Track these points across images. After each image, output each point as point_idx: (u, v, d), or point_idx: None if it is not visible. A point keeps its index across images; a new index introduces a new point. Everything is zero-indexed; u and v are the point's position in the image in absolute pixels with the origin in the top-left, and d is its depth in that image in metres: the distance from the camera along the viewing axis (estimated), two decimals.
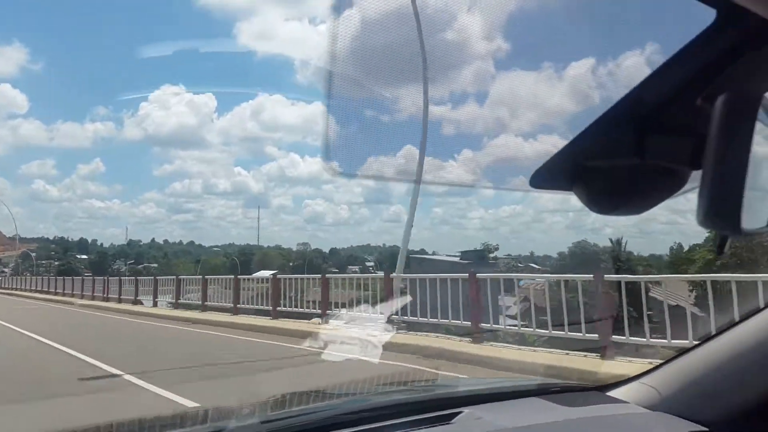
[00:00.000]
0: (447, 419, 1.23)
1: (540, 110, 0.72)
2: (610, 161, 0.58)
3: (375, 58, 0.65)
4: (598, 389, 1.41)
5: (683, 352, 1.37)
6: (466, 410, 1.27)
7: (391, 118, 0.69)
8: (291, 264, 52.05)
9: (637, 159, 0.56)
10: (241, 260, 49.16)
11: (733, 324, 1.29)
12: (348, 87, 0.65)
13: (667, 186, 0.60)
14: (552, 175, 0.60)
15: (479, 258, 25.13)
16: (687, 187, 0.59)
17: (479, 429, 1.18)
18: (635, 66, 0.63)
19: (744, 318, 1.27)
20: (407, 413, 1.23)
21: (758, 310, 1.27)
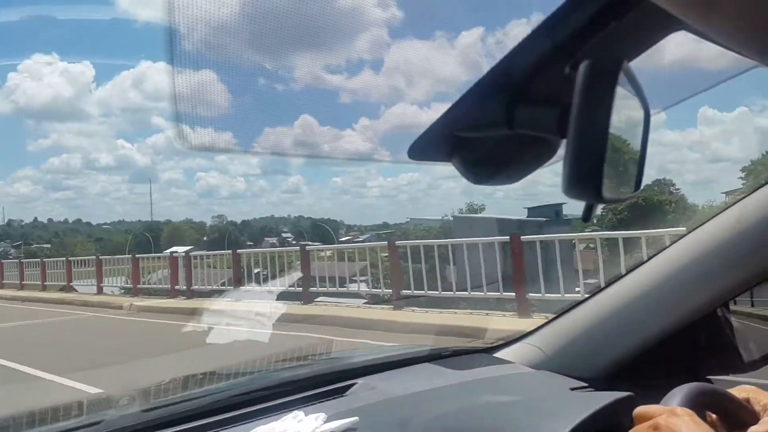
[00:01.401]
0: (341, 392, 1.23)
1: (421, 79, 0.71)
2: (482, 132, 0.58)
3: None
4: (486, 351, 1.47)
5: (565, 311, 1.45)
6: (360, 381, 1.27)
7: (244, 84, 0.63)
8: (206, 238, 50.16)
9: (507, 129, 0.56)
10: (149, 237, 46.52)
11: (612, 282, 1.38)
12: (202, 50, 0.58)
13: (538, 155, 0.60)
14: (430, 146, 0.59)
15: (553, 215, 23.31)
16: (556, 157, 0.59)
17: (373, 398, 1.19)
18: (506, 36, 0.63)
19: (623, 275, 1.35)
20: (300, 390, 1.21)
21: (635, 267, 1.35)
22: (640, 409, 0.73)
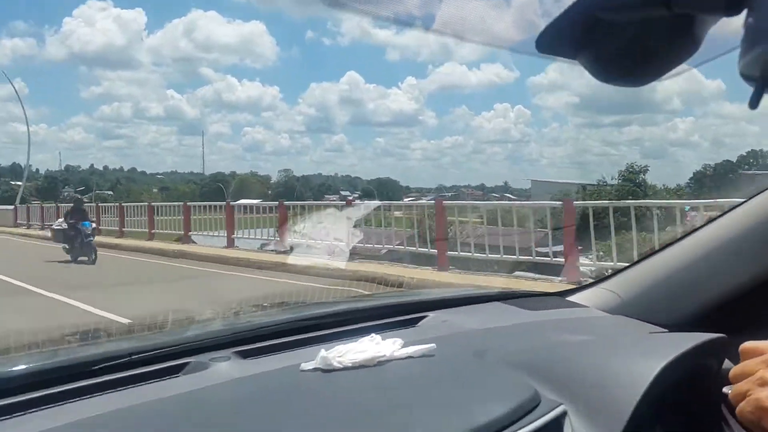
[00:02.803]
0: (413, 323, 1.24)
1: None
2: (631, 12, 0.47)
3: None
4: (559, 294, 1.44)
5: (643, 257, 1.40)
6: (431, 314, 1.28)
7: None
8: (270, 192, 51.37)
9: (664, 8, 0.45)
10: (213, 188, 47.92)
11: (689, 232, 1.32)
12: None
13: (694, 41, 0.49)
14: (561, 35, 0.50)
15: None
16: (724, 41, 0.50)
17: (445, 331, 1.19)
18: None
19: (705, 224, 1.29)
20: (372, 318, 1.23)
21: (712, 220, 1.30)
22: (749, 344, 0.69)
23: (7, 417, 0.81)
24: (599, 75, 0.52)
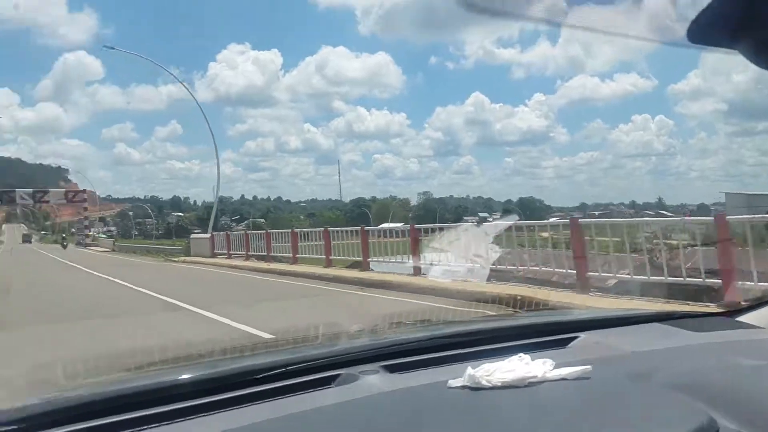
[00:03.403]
0: (562, 344, 1.18)
1: None
2: None
3: None
4: (725, 314, 1.29)
5: None
6: (582, 335, 1.22)
7: None
8: (411, 215, 52.66)
9: None
10: (356, 213, 50.10)
11: None
12: None
13: None
14: (717, 21, 0.45)
15: None
16: None
17: (599, 353, 1.12)
18: None
19: None
20: (519, 337, 1.20)
21: None
22: None
23: (180, 420, 0.91)
24: (761, 61, 0.47)
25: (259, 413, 0.92)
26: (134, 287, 11.51)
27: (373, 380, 1.04)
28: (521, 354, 1.02)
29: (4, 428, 0.87)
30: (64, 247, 46.11)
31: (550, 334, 1.22)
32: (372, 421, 0.90)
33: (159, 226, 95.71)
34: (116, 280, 13.49)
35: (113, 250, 38.81)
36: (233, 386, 1.00)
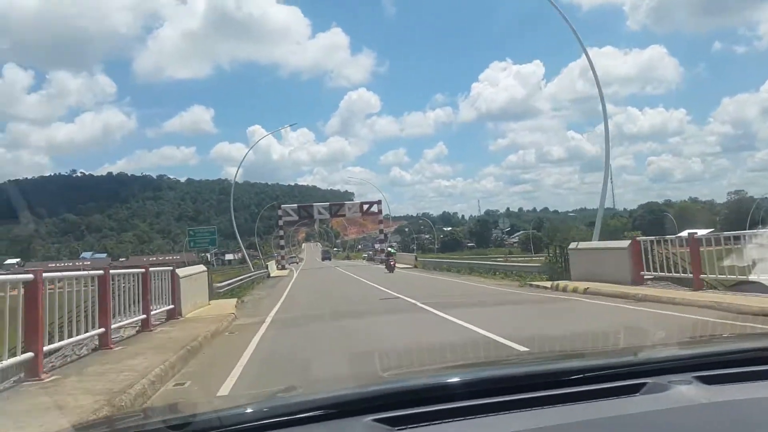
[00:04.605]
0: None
1: None
2: None
3: None
4: None
5: None
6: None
7: None
8: (718, 218, 44.42)
9: None
10: (647, 220, 43.91)
11: None
12: None
13: None
14: None
15: None
16: None
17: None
18: None
19: None
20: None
21: None
22: None
23: (495, 414, 0.99)
24: None
25: (564, 415, 0.97)
26: None
27: (685, 391, 1.03)
28: None
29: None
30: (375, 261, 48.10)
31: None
32: None
33: (434, 239, 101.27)
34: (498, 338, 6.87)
35: (415, 266, 35.51)
36: (539, 386, 1.07)
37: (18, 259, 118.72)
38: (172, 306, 11.17)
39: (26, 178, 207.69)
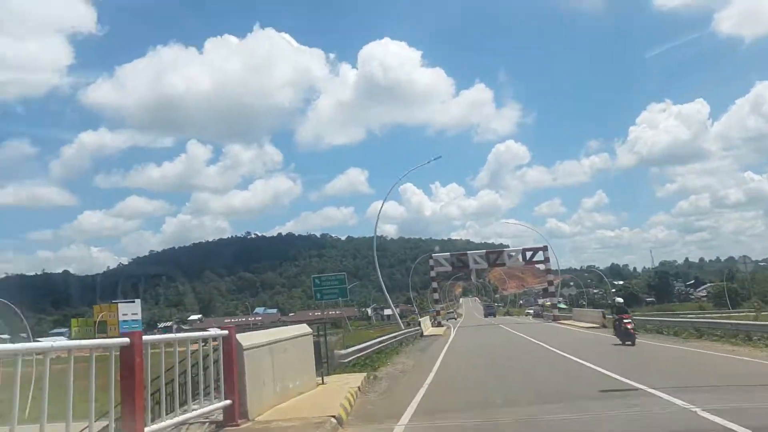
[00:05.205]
0: None
1: None
2: None
3: None
4: None
5: None
6: None
7: None
8: None
9: None
10: None
11: None
12: None
13: None
14: None
15: None
16: None
17: None
18: None
19: None
20: None
21: None
22: None
23: None
24: None
25: None
26: None
27: None
28: None
29: None
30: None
31: None
32: None
33: (605, 294, 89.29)
34: None
35: (603, 326, 26.63)
36: None
37: (200, 315, 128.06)
38: (228, 401, 6.30)
39: (208, 241, 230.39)
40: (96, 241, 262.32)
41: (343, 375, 11.94)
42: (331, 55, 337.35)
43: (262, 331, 7.89)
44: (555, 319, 41.86)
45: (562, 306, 58.10)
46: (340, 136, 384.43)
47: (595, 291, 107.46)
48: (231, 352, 6.45)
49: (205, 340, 6.48)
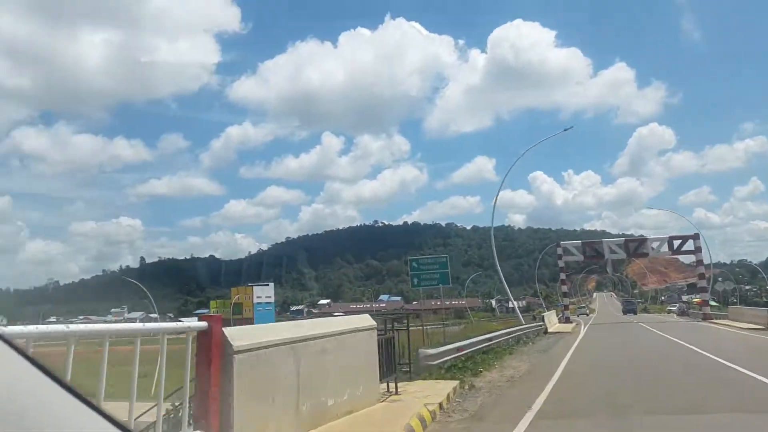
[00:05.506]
0: None
1: None
2: None
3: None
4: None
5: None
6: None
7: None
8: None
9: None
10: None
11: None
12: None
13: None
14: None
15: None
16: None
17: None
18: None
19: None
20: None
21: None
22: None
23: None
24: None
25: None
26: None
27: None
28: None
29: None
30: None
31: None
32: None
33: (761, 292, 77.85)
34: None
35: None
36: None
37: (329, 300, 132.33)
38: None
39: (338, 229, 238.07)
40: (240, 228, 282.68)
41: (429, 382, 9.43)
42: (461, 41, 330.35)
43: (285, 323, 5.65)
44: (705, 318, 35.75)
45: (713, 303, 50.25)
46: (467, 124, 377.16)
47: (747, 287, 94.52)
48: (209, 355, 4.26)
49: (179, 333, 4.38)
